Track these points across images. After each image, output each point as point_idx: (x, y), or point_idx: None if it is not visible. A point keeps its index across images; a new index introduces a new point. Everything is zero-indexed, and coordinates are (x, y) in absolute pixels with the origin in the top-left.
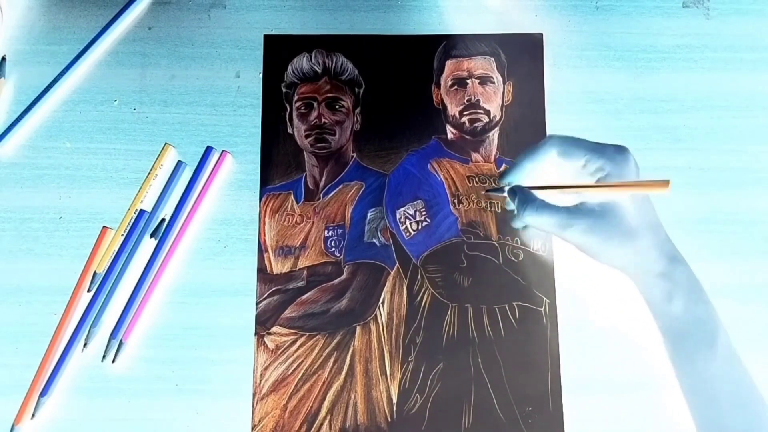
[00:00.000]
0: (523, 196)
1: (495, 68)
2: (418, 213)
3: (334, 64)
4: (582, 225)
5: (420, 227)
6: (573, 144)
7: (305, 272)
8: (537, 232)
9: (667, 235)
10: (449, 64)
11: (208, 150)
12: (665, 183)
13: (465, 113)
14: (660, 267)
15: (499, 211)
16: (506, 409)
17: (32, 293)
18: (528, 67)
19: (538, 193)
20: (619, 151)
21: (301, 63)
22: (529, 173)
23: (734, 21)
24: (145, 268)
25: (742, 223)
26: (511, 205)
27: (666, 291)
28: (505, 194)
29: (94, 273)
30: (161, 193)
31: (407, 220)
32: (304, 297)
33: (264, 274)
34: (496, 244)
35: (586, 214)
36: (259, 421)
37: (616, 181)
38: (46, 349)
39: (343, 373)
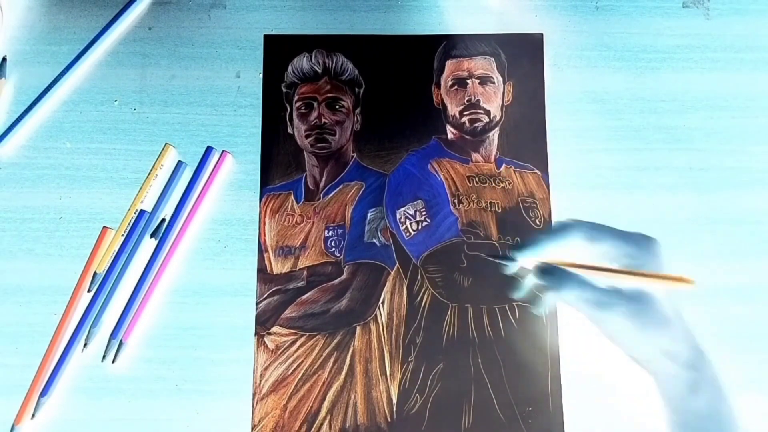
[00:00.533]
0: (561, 272)
1: (495, 68)
2: (418, 213)
3: (334, 64)
4: (622, 307)
5: (420, 227)
6: (600, 230)
7: (305, 272)
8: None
9: (691, 330)
10: (449, 64)
11: (209, 150)
12: (689, 280)
13: (465, 113)
14: (687, 357)
15: (500, 211)
16: (506, 410)
17: (32, 293)
18: (528, 67)
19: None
20: (649, 239)
21: (302, 63)
22: (549, 253)
23: (734, 21)
24: (146, 269)
25: (743, 223)
26: (525, 288)
27: (692, 383)
28: (506, 263)
29: (95, 273)
30: (161, 193)
31: (407, 220)
32: (304, 297)
33: (264, 274)
34: (497, 244)
35: (625, 297)
36: (259, 421)
37: (644, 270)
38: (46, 349)
39: (343, 373)
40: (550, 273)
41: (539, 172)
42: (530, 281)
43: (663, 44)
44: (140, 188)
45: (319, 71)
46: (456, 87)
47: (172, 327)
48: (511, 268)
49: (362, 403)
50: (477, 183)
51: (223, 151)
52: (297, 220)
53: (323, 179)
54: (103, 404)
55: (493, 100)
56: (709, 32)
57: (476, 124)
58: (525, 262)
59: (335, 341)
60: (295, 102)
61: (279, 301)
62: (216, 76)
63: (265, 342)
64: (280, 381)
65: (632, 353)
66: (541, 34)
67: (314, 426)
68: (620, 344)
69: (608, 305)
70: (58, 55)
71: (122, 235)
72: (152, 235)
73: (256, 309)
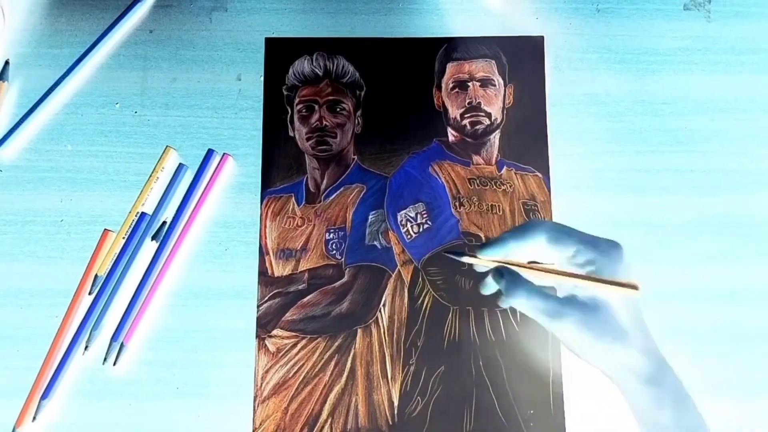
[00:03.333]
0: (513, 278)
1: (496, 71)
2: (419, 216)
3: (335, 67)
4: (574, 317)
5: (421, 230)
6: (564, 232)
7: (306, 275)
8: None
9: (654, 341)
10: (450, 67)
11: (210, 153)
12: (635, 285)
13: (466, 116)
14: (649, 372)
15: (501, 213)
16: (508, 412)
17: (33, 296)
18: (529, 70)
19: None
20: (613, 246)
21: (303, 66)
22: (512, 253)
23: (735, 23)
24: (147, 271)
25: (744, 225)
26: (491, 286)
27: (655, 398)
28: (462, 260)
29: (96, 276)
30: (162, 196)
31: (408, 223)
32: (305, 300)
33: (265, 277)
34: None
35: (578, 306)
36: (260, 424)
37: (589, 274)
38: (47, 351)
39: (344, 376)
40: (503, 277)
41: (540, 175)
42: (491, 281)
43: (664, 47)
44: (141, 191)
45: (320, 74)
46: (457, 90)
47: (173, 330)
48: (477, 267)
49: (363, 406)
50: (478, 185)
51: (224, 153)
52: (298, 222)
53: (324, 182)
54: (104, 407)
55: (494, 102)
56: (711, 35)
57: (477, 127)
58: (485, 261)
59: (336, 344)
60: (296, 105)
61: (280, 303)
62: (217, 78)
63: (266, 345)
64: (281, 384)
65: (593, 363)
66: (542, 37)
67: (315, 429)
68: (579, 355)
69: (559, 314)
70: (60, 58)
71: (123, 238)
72: (153, 238)
73: (257, 312)
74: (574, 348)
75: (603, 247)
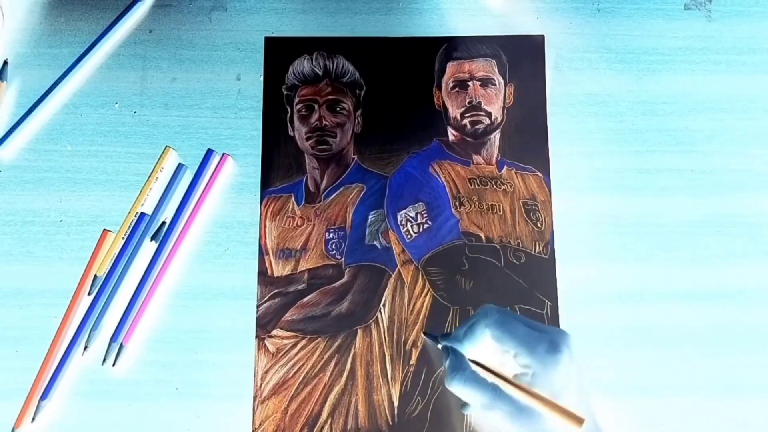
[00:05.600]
0: (455, 362)
1: (496, 70)
2: (419, 215)
3: (335, 67)
4: (504, 411)
5: (421, 230)
6: (506, 331)
7: (306, 275)
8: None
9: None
10: (450, 66)
11: (209, 153)
12: (579, 421)
13: (466, 115)
14: None
15: (501, 213)
16: None
17: (33, 296)
18: (529, 70)
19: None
20: (552, 350)
21: (302, 65)
22: (466, 349)
23: (736, 23)
24: (146, 271)
25: (744, 225)
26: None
27: None
28: (438, 345)
29: (95, 276)
30: (162, 196)
31: (408, 223)
32: (305, 300)
33: (265, 277)
34: (498, 247)
35: (510, 402)
36: (260, 424)
37: (537, 391)
38: (47, 352)
39: (344, 376)
40: (447, 356)
41: (541, 174)
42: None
43: (665, 46)
44: (141, 191)
45: (320, 73)
46: (457, 89)
47: (173, 330)
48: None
49: (363, 406)
50: (478, 185)
51: (223, 153)
52: (298, 222)
53: (324, 181)
54: (104, 407)
55: (495, 102)
56: (711, 34)
57: (477, 126)
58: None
59: (336, 344)
60: (296, 104)
61: (280, 303)
62: (217, 78)
63: (265, 345)
64: (281, 384)
65: None
66: (543, 36)
67: (315, 429)
68: None
69: (490, 407)
70: (59, 58)
71: (123, 238)
72: (153, 238)
73: (257, 312)
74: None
75: (541, 353)
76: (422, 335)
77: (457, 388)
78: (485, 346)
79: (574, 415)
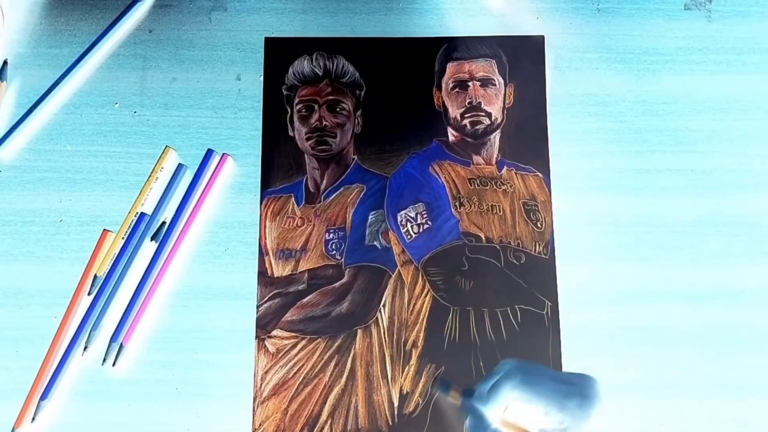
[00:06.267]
0: (478, 424)
1: (496, 70)
2: (419, 216)
3: (335, 67)
4: None
5: (421, 230)
6: (533, 389)
7: (306, 275)
8: None
9: None
10: (450, 67)
11: (209, 153)
12: None
13: (466, 116)
14: None
15: (501, 213)
16: None
17: (33, 296)
18: (529, 70)
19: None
20: (584, 405)
21: (302, 65)
22: (492, 410)
23: (736, 23)
24: (146, 272)
25: (745, 225)
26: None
27: None
28: (449, 396)
29: (95, 276)
30: (162, 196)
31: (408, 223)
32: (305, 300)
33: (265, 277)
34: (498, 247)
35: None
36: (260, 424)
37: None
38: (47, 352)
39: (344, 376)
40: (467, 415)
41: (541, 175)
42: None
43: (665, 46)
44: (141, 191)
45: (320, 74)
46: (457, 89)
47: (173, 330)
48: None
49: (363, 406)
50: (478, 186)
51: (223, 153)
52: (298, 222)
53: (324, 182)
54: (104, 408)
55: (495, 102)
56: (711, 34)
57: (477, 127)
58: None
59: (336, 344)
60: (296, 104)
61: (280, 304)
62: (217, 78)
63: (265, 345)
64: (281, 384)
65: None
66: (543, 37)
67: (315, 429)
68: None
69: None
70: (59, 58)
71: (122, 238)
72: (153, 238)
73: (257, 312)
74: None
75: (571, 407)
76: (434, 382)
77: None
78: (512, 404)
79: None
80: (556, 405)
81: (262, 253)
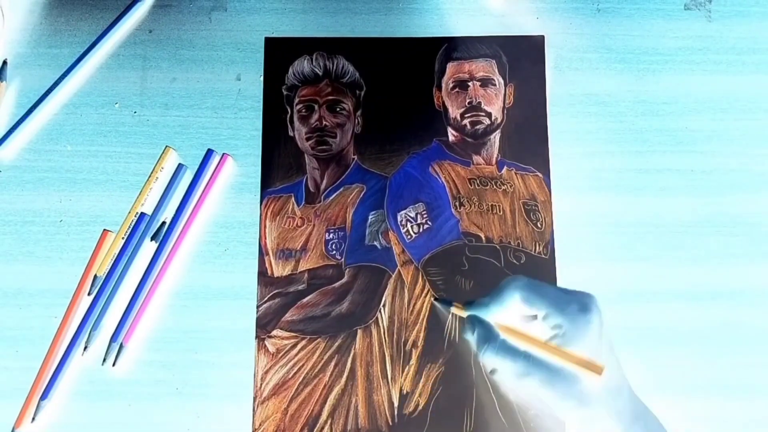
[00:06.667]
0: (484, 332)
1: (496, 70)
2: (419, 216)
3: (335, 67)
4: (538, 377)
5: (421, 230)
6: (537, 293)
7: (306, 275)
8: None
9: (632, 395)
10: (450, 67)
11: (209, 153)
12: (599, 368)
13: (466, 116)
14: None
15: (501, 213)
16: (508, 414)
17: (33, 296)
18: (529, 70)
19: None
20: (583, 310)
21: (302, 65)
22: (492, 315)
23: (736, 23)
24: (146, 272)
25: (744, 225)
26: (469, 335)
27: None
28: (451, 310)
29: (95, 276)
30: (162, 196)
31: (408, 223)
32: (305, 300)
33: (265, 277)
34: (498, 247)
35: (544, 367)
36: (260, 424)
37: (559, 347)
38: (47, 352)
39: (344, 376)
40: (474, 331)
41: (541, 175)
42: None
43: (665, 46)
44: (141, 191)
45: (320, 74)
46: (457, 89)
47: (173, 330)
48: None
49: (363, 406)
50: (478, 185)
51: (223, 153)
52: (298, 222)
53: (324, 182)
54: (104, 408)
55: (495, 102)
56: (711, 34)
57: (477, 127)
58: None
59: (336, 344)
60: (296, 104)
61: (280, 304)
62: (217, 78)
63: (265, 345)
64: (281, 384)
65: (564, 418)
66: (543, 37)
67: (315, 430)
68: (548, 408)
69: (524, 374)
70: (59, 58)
71: (122, 238)
72: (153, 238)
73: (257, 312)
74: (543, 402)
75: (573, 311)
76: (433, 301)
77: (490, 359)
78: (512, 311)
79: (593, 364)
80: (557, 308)
81: (262, 253)
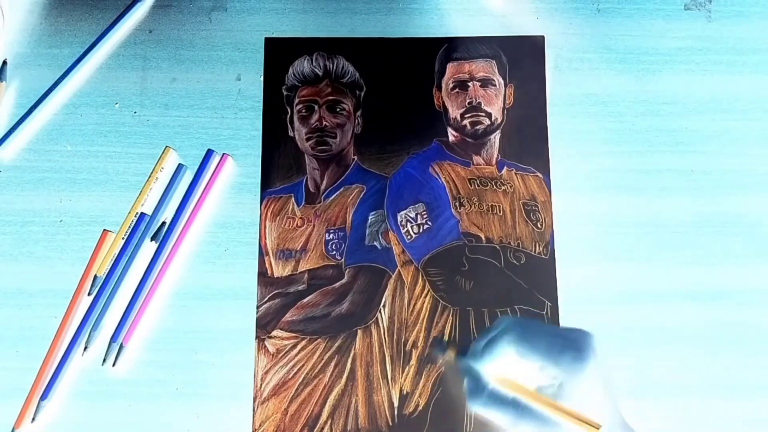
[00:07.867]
0: (475, 383)
1: (496, 71)
2: (419, 216)
3: (335, 67)
4: (529, 427)
5: (421, 230)
6: (530, 344)
7: (306, 275)
8: None
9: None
10: (450, 67)
11: (209, 153)
12: (596, 426)
13: (466, 116)
14: None
15: (501, 214)
16: None
17: (33, 296)
18: (529, 70)
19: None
20: (578, 359)
21: (302, 66)
22: (486, 365)
23: (736, 23)
24: (146, 272)
25: (744, 225)
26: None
27: None
28: (445, 356)
29: (95, 276)
30: (162, 196)
31: (408, 224)
32: (305, 300)
33: (265, 278)
34: (498, 248)
35: (534, 417)
36: (260, 425)
37: (556, 402)
38: (47, 352)
39: (344, 376)
40: (465, 376)
41: (541, 175)
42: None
43: (665, 47)
44: (141, 191)
45: (320, 74)
46: (457, 89)
47: (173, 330)
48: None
49: (363, 407)
50: (478, 186)
51: (223, 154)
52: (298, 223)
53: (324, 182)
54: (103, 408)
55: (495, 102)
56: (711, 35)
57: (477, 127)
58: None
59: (336, 345)
60: (296, 105)
61: (280, 304)
62: (217, 78)
63: (265, 345)
64: (281, 385)
65: None
66: (543, 37)
67: (315, 430)
68: None
69: (514, 425)
70: (59, 58)
71: (123, 238)
72: (153, 238)
73: (257, 312)
74: None
75: (565, 361)
76: (431, 343)
77: (480, 410)
78: (507, 360)
79: (591, 421)
80: (551, 361)
81: (262, 253)
